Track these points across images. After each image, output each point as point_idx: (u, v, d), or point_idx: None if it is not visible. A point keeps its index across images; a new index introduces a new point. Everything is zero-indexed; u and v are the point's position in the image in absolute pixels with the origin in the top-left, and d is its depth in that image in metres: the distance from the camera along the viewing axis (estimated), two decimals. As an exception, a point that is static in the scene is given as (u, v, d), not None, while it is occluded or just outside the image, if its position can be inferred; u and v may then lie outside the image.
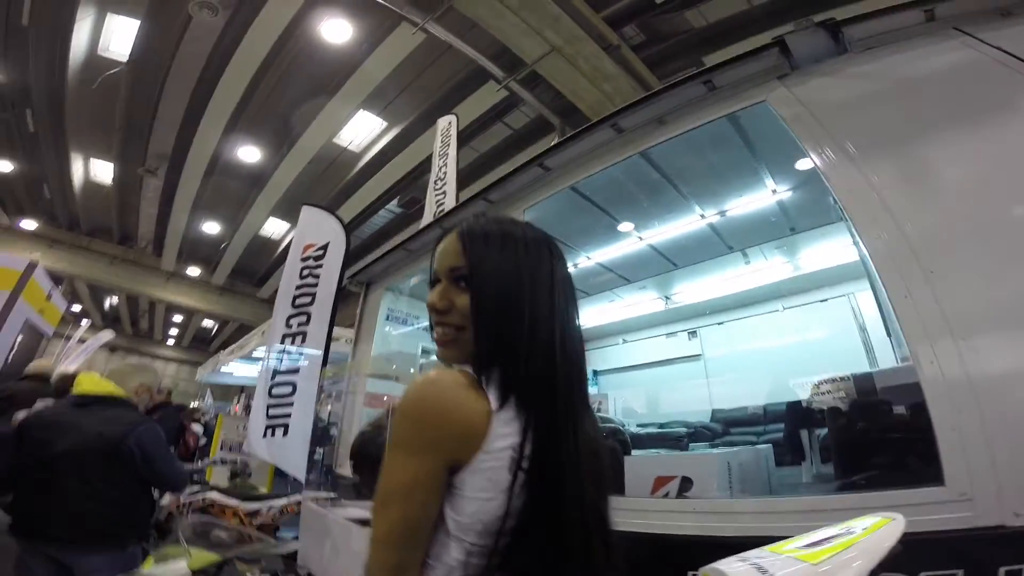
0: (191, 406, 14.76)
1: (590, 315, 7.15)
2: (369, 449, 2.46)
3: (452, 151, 6.65)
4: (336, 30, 7.61)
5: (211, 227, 14.02)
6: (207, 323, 22.41)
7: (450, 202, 6.04)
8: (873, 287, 4.33)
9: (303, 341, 4.22)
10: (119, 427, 2.05)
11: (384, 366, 4.88)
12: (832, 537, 0.70)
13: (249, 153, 10.67)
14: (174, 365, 25.56)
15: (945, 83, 2.11)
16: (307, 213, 4.81)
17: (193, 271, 16.51)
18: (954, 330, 1.67)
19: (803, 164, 3.60)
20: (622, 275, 5.88)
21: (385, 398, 4.51)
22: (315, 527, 2.34)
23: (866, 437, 2.48)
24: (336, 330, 4.27)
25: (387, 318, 5.01)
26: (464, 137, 7.14)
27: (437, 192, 6.36)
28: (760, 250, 5.38)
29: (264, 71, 8.47)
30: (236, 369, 11.26)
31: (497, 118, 8.75)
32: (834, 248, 4.96)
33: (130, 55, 8.37)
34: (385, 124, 9.50)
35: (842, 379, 3.20)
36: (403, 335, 5.50)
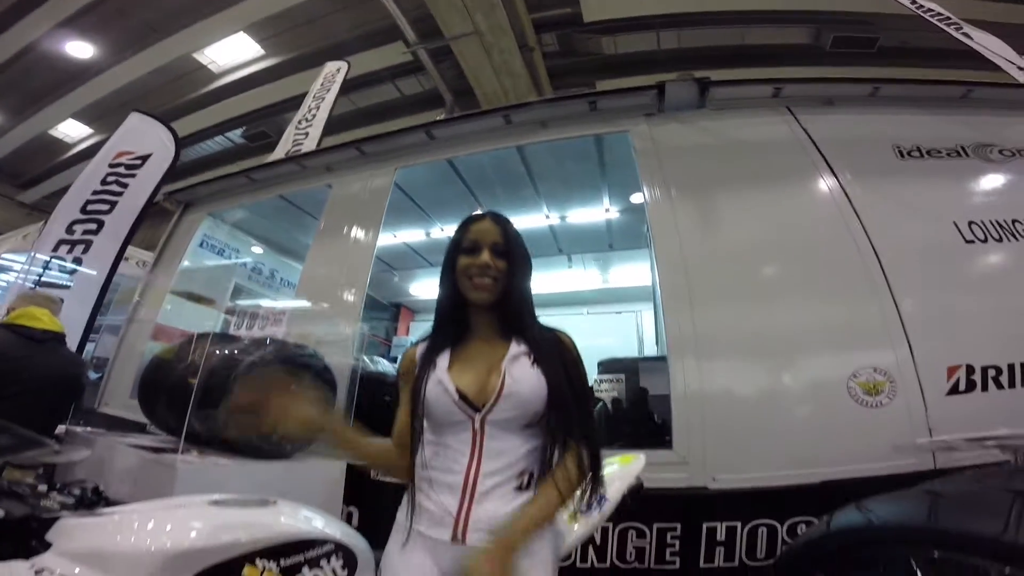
0: None
1: (425, 287, 7.37)
2: (165, 376, 2.17)
3: (331, 96, 6.24)
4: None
5: (-13, 113, 10.70)
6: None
7: (310, 145, 5.58)
8: (655, 309, 5.16)
9: (85, 251, 3.52)
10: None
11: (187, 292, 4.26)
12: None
13: (79, 48, 8.50)
14: None
15: (758, 150, 2.64)
16: (135, 119, 4.24)
17: (-65, 154, 12.37)
18: (699, 352, 2.28)
19: (636, 195, 4.23)
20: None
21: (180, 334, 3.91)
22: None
23: (630, 417, 3.64)
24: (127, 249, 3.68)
25: (200, 245, 4.40)
26: (347, 87, 6.69)
27: (298, 132, 5.83)
28: (582, 259, 6.38)
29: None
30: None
31: (390, 79, 8.36)
32: (636, 271, 6.14)
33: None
34: (263, 52, 8.49)
35: (616, 380, 4.45)
36: (217, 266, 4.78)
